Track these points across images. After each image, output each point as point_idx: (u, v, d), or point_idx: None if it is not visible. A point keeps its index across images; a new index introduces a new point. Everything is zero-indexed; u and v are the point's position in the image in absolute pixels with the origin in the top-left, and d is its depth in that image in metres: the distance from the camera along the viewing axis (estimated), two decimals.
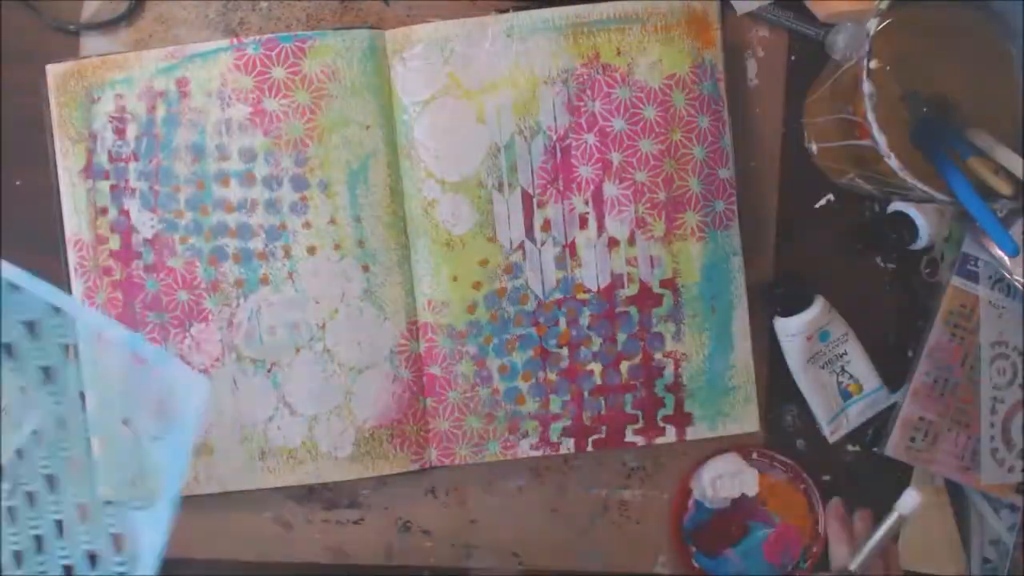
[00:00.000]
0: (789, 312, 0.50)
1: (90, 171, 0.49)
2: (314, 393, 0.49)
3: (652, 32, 0.49)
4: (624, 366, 0.50)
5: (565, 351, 0.50)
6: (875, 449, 0.53)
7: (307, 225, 0.49)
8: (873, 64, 0.42)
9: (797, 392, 0.52)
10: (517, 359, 0.50)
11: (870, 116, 0.40)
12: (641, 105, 0.49)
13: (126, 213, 0.49)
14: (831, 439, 0.52)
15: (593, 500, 0.52)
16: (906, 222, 0.51)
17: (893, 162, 0.40)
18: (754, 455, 0.52)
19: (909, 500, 0.44)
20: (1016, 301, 0.52)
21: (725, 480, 0.51)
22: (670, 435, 0.50)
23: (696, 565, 0.51)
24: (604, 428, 0.50)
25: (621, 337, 0.50)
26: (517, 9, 0.49)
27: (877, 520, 0.45)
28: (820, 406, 0.51)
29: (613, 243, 0.50)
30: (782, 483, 0.52)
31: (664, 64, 0.49)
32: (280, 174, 0.48)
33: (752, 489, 0.52)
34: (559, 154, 0.49)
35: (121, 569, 0.43)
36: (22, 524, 0.45)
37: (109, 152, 0.49)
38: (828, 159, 0.50)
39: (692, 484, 0.52)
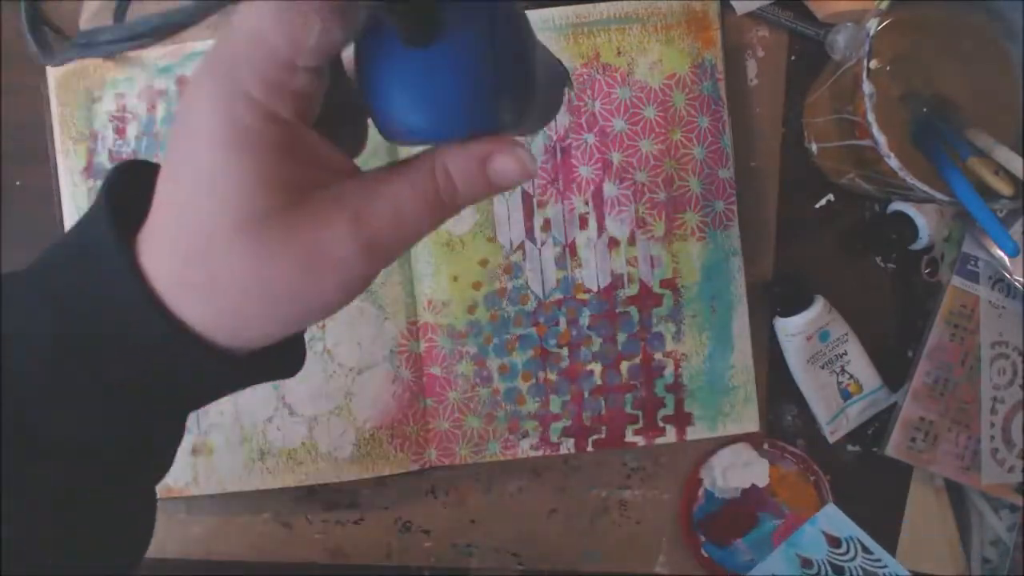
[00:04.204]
0: (789, 312, 0.50)
1: (91, 171, 0.49)
2: (314, 394, 0.49)
3: (652, 32, 0.49)
4: (624, 366, 0.50)
5: (565, 351, 0.50)
6: (875, 449, 0.53)
7: None
8: (873, 64, 0.42)
9: (797, 392, 0.52)
10: (517, 359, 0.50)
11: (870, 116, 0.40)
12: (641, 105, 0.49)
13: None
14: (831, 439, 0.52)
15: (593, 500, 0.52)
16: (906, 222, 0.51)
17: (893, 162, 0.40)
18: (765, 445, 0.52)
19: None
20: (1016, 301, 0.52)
21: (736, 470, 0.51)
22: (670, 435, 0.50)
23: (705, 555, 0.51)
24: (604, 428, 0.50)
25: (621, 337, 0.50)
26: None
27: None
28: (820, 406, 0.51)
29: (613, 243, 0.50)
30: (792, 474, 0.52)
31: (664, 64, 0.49)
32: None
33: (763, 480, 0.52)
34: (559, 154, 0.49)
35: None
36: None
37: (110, 151, 0.49)
38: (828, 159, 0.50)
39: (702, 473, 0.52)
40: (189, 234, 0.20)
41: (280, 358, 0.25)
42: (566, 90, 0.31)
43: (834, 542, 0.50)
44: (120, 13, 0.47)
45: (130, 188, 0.22)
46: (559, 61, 0.30)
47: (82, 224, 0.22)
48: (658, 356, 0.50)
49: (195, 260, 0.20)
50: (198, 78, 0.20)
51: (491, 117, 0.21)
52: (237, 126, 0.19)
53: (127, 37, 0.17)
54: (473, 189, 0.22)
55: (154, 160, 0.48)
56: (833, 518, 0.50)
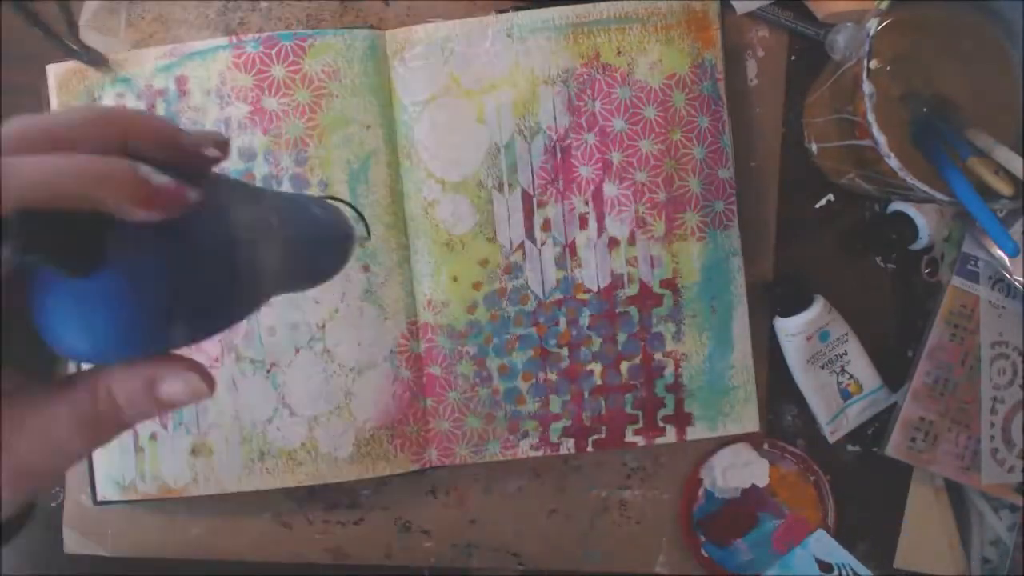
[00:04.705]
0: (789, 312, 0.50)
1: None
2: (314, 394, 0.49)
3: (652, 32, 0.49)
4: (624, 366, 0.50)
5: (565, 351, 0.50)
6: (875, 449, 0.53)
7: None
8: (873, 64, 0.42)
9: (797, 392, 0.52)
10: (517, 359, 0.50)
11: (870, 116, 0.40)
12: (641, 105, 0.49)
13: None
14: (831, 439, 0.52)
15: (593, 500, 0.52)
16: (906, 222, 0.51)
17: (893, 162, 0.40)
18: (765, 445, 0.52)
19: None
20: (1016, 301, 0.52)
21: (736, 470, 0.52)
22: (670, 435, 0.50)
23: (705, 555, 0.51)
24: (604, 428, 0.50)
25: (621, 337, 0.50)
26: (517, 9, 0.49)
27: None
28: (820, 406, 0.51)
29: (613, 243, 0.50)
30: (792, 474, 0.52)
31: (664, 64, 0.49)
32: (280, 173, 0.48)
33: (762, 480, 0.52)
34: (559, 154, 0.49)
35: None
36: None
37: None
38: (828, 159, 0.50)
39: (702, 474, 0.52)
40: None
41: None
42: (357, 242, 0.31)
43: (826, 567, 0.50)
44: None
45: None
46: (343, 222, 0.29)
47: None
48: (658, 356, 0.50)
49: None
50: None
51: (165, 342, 0.21)
52: None
53: None
54: (140, 409, 0.22)
55: None
56: (824, 544, 0.50)
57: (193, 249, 0.20)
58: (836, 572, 0.50)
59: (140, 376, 0.21)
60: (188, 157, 0.22)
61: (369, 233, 0.31)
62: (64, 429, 0.21)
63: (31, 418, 0.21)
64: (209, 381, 0.22)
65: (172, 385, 0.21)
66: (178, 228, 0.20)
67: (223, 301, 0.22)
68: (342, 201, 0.30)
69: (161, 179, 0.19)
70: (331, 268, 0.30)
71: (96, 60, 0.48)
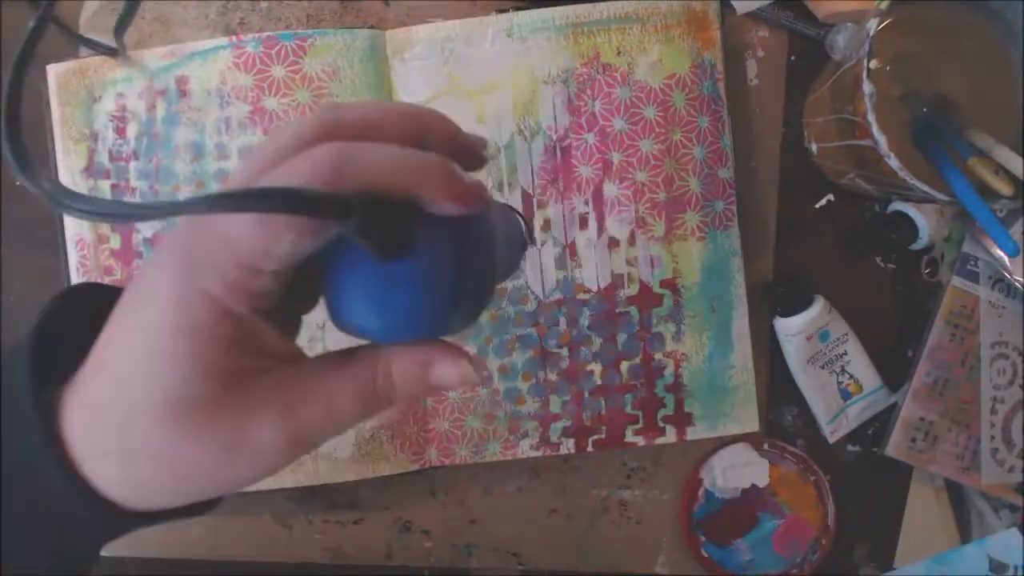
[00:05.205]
0: (789, 312, 0.50)
1: (91, 170, 0.49)
2: None
3: (652, 32, 0.49)
4: (624, 366, 0.50)
5: (565, 351, 0.50)
6: (875, 449, 0.53)
7: None
8: (873, 64, 0.42)
9: (797, 392, 0.52)
10: (517, 359, 0.50)
11: (870, 116, 0.40)
12: (641, 105, 0.49)
13: None
14: (831, 439, 0.52)
15: (593, 500, 0.52)
16: (906, 222, 0.51)
17: (893, 162, 0.40)
18: (765, 446, 0.52)
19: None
20: (1016, 301, 0.52)
21: (736, 470, 0.51)
22: (670, 435, 0.50)
23: (705, 555, 0.51)
24: (604, 428, 0.50)
25: (621, 337, 0.50)
26: (517, 9, 0.49)
27: None
28: (820, 406, 0.51)
29: (613, 243, 0.50)
30: (792, 474, 0.52)
31: (664, 64, 0.49)
32: None
33: (763, 480, 0.52)
34: (559, 154, 0.49)
35: None
36: None
37: (110, 151, 0.49)
38: (828, 159, 0.50)
39: (702, 473, 0.52)
40: (118, 405, 0.20)
41: (191, 506, 0.25)
42: (526, 251, 0.32)
43: (999, 568, 0.49)
44: (121, 27, 0.47)
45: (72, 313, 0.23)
46: (519, 221, 0.30)
47: (5, 367, 0.22)
48: (658, 356, 0.50)
49: (117, 430, 0.21)
50: (162, 260, 0.20)
51: (444, 327, 0.22)
52: (189, 317, 0.20)
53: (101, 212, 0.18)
54: (411, 389, 0.23)
55: (153, 158, 0.48)
56: (1010, 543, 0.49)
57: (472, 241, 0.22)
58: (1012, 571, 0.49)
59: (417, 357, 0.22)
60: (466, 157, 0.23)
61: (534, 240, 0.32)
62: (345, 401, 0.22)
63: (321, 384, 0.22)
64: (481, 371, 0.23)
65: (446, 369, 0.22)
66: (464, 221, 0.21)
67: (484, 290, 0.23)
68: (508, 207, 0.31)
69: (471, 178, 0.21)
70: (514, 266, 0.31)
71: (115, 52, 0.48)
